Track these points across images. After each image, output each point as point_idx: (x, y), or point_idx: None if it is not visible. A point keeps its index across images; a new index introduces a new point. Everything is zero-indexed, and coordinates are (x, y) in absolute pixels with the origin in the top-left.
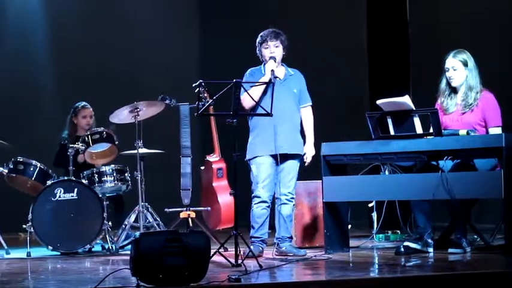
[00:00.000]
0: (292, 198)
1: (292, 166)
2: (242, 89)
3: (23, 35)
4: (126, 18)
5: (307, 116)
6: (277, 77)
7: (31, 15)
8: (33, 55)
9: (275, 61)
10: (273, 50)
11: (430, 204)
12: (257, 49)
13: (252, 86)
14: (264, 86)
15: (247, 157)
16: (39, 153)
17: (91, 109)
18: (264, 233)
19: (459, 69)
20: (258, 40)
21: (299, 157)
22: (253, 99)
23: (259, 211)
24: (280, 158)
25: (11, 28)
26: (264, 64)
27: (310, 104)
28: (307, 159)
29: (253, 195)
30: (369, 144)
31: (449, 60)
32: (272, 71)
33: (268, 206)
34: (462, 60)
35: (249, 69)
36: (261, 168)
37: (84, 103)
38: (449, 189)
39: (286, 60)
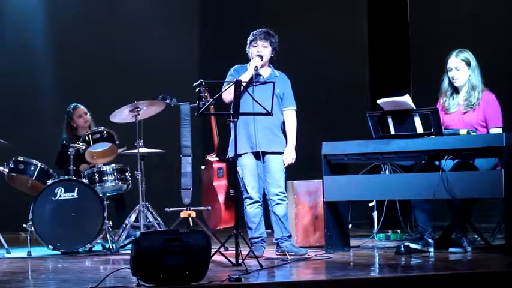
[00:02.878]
0: (285, 196)
1: (278, 165)
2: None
3: (22, 34)
4: (126, 18)
5: (290, 119)
6: (255, 75)
7: (31, 15)
8: (33, 54)
9: (261, 59)
10: (260, 49)
11: (431, 204)
12: (247, 46)
13: (249, 85)
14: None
15: (229, 154)
16: (40, 153)
17: (82, 107)
18: (263, 232)
19: (462, 69)
20: (249, 38)
21: (282, 154)
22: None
23: (253, 211)
24: (263, 157)
25: (10, 27)
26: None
27: (294, 108)
28: (286, 162)
29: (244, 197)
30: (369, 144)
31: (452, 60)
32: (256, 67)
33: (261, 205)
34: (465, 60)
35: (235, 66)
36: (246, 170)
37: (74, 104)
38: (449, 188)
39: (287, 60)
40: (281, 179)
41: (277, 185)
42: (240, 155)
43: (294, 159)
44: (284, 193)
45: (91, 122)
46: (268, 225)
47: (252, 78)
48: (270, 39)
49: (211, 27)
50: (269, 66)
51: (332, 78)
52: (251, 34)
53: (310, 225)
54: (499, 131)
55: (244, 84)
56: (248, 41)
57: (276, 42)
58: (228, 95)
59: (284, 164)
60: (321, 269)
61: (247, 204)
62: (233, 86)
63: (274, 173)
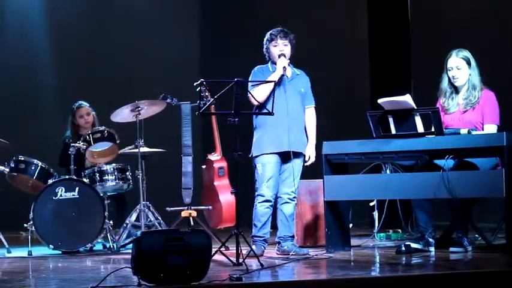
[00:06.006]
0: (295, 197)
1: (297, 165)
2: (250, 85)
3: (23, 34)
4: (127, 18)
5: (311, 117)
6: (284, 75)
7: (31, 15)
8: (34, 54)
9: (286, 58)
10: (282, 48)
11: (431, 203)
12: (264, 47)
13: (256, 84)
14: (273, 83)
15: (254, 154)
16: (41, 152)
17: (87, 107)
18: (267, 232)
19: (463, 68)
20: (266, 38)
21: (303, 156)
22: (254, 98)
23: (262, 210)
24: (286, 157)
25: (11, 27)
26: (271, 62)
27: (314, 105)
28: (309, 160)
29: (256, 193)
30: (370, 143)
31: (452, 59)
32: (284, 67)
33: (272, 205)
34: (465, 59)
35: (257, 67)
36: (267, 167)
37: (79, 103)
38: (450, 188)
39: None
40: (296, 179)
41: (290, 185)
42: (262, 154)
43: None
44: (295, 193)
45: (96, 121)
46: (273, 225)
47: (281, 78)
48: (289, 37)
49: (212, 26)
50: (289, 65)
51: (332, 78)
52: (268, 34)
53: (311, 224)
54: (494, 127)
55: (273, 84)
56: (266, 41)
57: (293, 39)
58: (260, 94)
59: (306, 162)
60: (321, 268)
61: (259, 202)
62: (266, 84)
63: (291, 172)
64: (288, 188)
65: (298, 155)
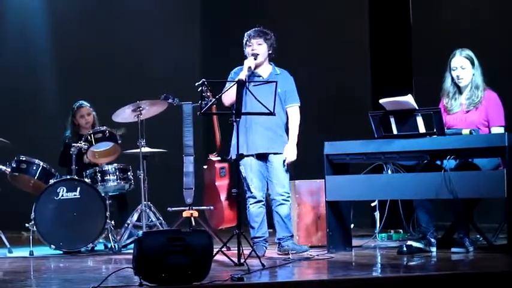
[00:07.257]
0: (289, 197)
1: (281, 165)
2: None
3: (23, 34)
4: (128, 18)
5: (292, 116)
6: (258, 75)
7: (31, 14)
8: (34, 54)
9: (255, 59)
10: (255, 47)
11: (433, 204)
12: (244, 48)
13: (254, 85)
14: (235, 84)
15: (233, 156)
16: (41, 152)
17: (87, 107)
18: (265, 231)
19: (467, 67)
20: (244, 39)
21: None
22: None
23: (256, 210)
24: (266, 157)
25: (11, 27)
26: None
27: (297, 104)
28: (287, 160)
29: (247, 195)
30: (371, 144)
31: (456, 59)
32: (249, 67)
33: (264, 204)
34: (469, 58)
35: (235, 68)
36: (249, 170)
37: (80, 102)
38: (452, 188)
39: (288, 59)
40: (285, 179)
41: (281, 185)
42: (242, 155)
43: (295, 157)
44: (288, 193)
45: (96, 121)
46: (270, 225)
47: (247, 78)
48: (264, 37)
49: (212, 28)
50: (270, 64)
51: (334, 78)
52: (245, 35)
53: (312, 225)
54: (501, 129)
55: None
56: (244, 42)
57: (271, 38)
58: (228, 97)
59: (284, 162)
60: (323, 268)
61: (250, 204)
62: (234, 88)
63: (277, 173)
64: (280, 188)
65: (275, 155)
